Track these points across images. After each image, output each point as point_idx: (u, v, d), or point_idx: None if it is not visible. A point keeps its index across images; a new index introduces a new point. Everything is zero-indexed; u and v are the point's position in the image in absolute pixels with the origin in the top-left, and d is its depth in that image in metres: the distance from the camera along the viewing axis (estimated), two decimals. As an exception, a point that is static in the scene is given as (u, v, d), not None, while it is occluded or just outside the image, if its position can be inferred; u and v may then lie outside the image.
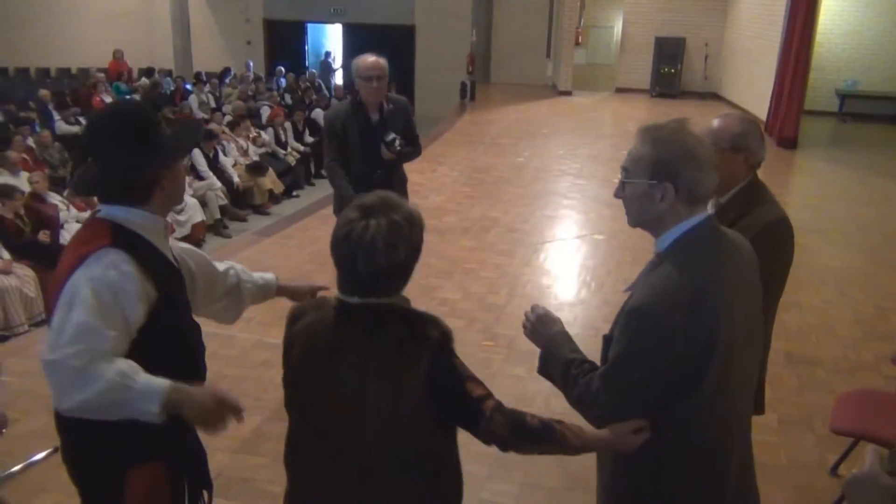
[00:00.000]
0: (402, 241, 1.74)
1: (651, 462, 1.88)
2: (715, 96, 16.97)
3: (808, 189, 9.75)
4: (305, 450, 1.93)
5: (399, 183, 4.56)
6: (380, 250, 1.71)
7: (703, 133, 2.34)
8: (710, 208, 2.51)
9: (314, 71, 15.36)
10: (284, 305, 5.35)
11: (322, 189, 9.40)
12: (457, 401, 1.79)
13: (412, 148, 4.61)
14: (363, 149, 4.40)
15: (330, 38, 18.40)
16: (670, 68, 17.30)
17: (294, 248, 6.90)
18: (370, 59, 4.37)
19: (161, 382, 1.80)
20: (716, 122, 2.62)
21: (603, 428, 1.86)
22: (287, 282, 2.45)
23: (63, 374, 1.76)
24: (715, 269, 1.80)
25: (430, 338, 1.77)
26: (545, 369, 2.05)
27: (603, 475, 2.06)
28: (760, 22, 14.16)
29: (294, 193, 9.10)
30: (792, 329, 4.84)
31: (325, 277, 6.31)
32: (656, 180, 1.80)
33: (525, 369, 4.40)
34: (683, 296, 1.74)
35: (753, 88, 14.20)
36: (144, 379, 1.80)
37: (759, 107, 13.01)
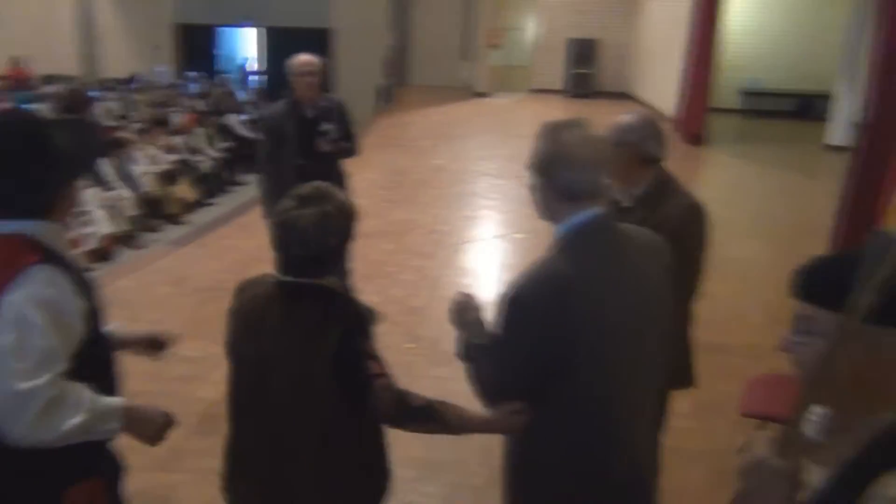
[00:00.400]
0: (333, 229, 1.95)
1: (530, 445, 1.98)
2: (627, 96, 17.44)
3: (716, 184, 10.11)
4: (238, 406, 2.14)
5: (338, 179, 4.69)
6: (311, 237, 1.92)
7: (607, 128, 2.61)
8: (623, 199, 2.75)
9: (229, 76, 15.05)
10: (199, 317, 5.19)
11: (238, 196, 9.20)
12: (354, 376, 1.96)
13: (349, 143, 4.82)
14: (300, 143, 4.63)
15: (244, 43, 18.06)
16: (584, 69, 17.70)
17: (210, 258, 6.73)
18: (303, 57, 4.68)
19: (115, 399, 1.87)
20: (617, 120, 2.76)
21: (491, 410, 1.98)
22: (126, 333, 2.27)
23: (39, 405, 1.67)
24: (590, 264, 1.86)
25: (344, 316, 1.99)
26: (460, 353, 2.11)
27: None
28: (667, 23, 14.65)
29: (209, 201, 8.87)
30: (703, 318, 5.01)
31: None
32: (538, 177, 1.92)
33: (448, 370, 4.40)
34: (549, 286, 1.83)
35: (662, 88, 14.67)
36: (99, 398, 1.81)
37: (669, 105, 13.45)
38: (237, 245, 7.05)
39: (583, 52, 17.68)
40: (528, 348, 1.87)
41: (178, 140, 9.18)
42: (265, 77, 16.45)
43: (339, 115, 4.79)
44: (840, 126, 12.26)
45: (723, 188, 9.76)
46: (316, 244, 1.94)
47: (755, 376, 3.67)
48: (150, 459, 3.67)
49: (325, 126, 4.65)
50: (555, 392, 1.88)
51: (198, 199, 8.63)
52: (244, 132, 10.78)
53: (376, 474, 2.20)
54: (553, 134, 1.92)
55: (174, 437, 3.83)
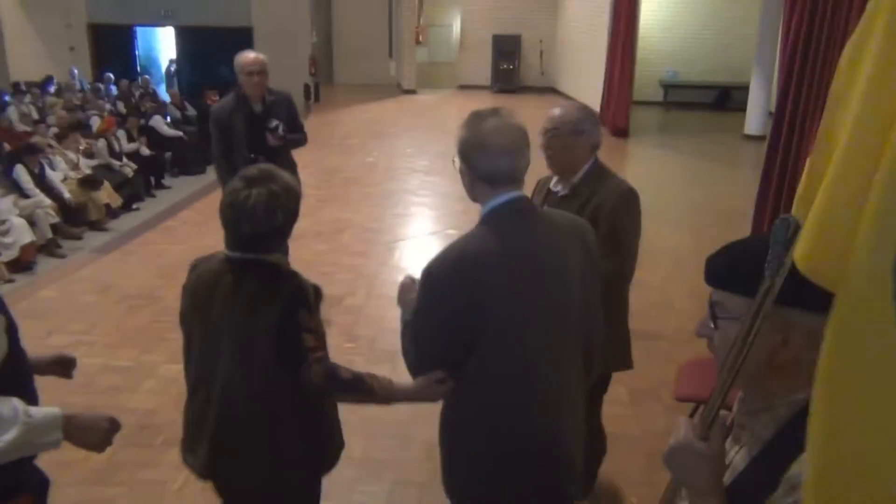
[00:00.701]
0: (280, 208, 2.09)
1: (452, 411, 2.12)
2: (552, 90, 17.70)
3: (642, 175, 10.37)
4: (191, 376, 2.31)
5: (288, 169, 4.63)
6: (259, 215, 2.06)
7: (547, 120, 2.81)
8: (560, 188, 2.92)
9: (148, 77, 14.63)
10: (128, 325, 5.05)
11: (164, 200, 8.98)
12: (292, 347, 2.11)
13: (298, 135, 5.05)
14: (248, 137, 4.76)
15: (162, 42, 17.58)
16: (508, 65, 17.89)
17: (137, 264, 6.55)
18: (251, 55, 4.82)
19: (52, 409, 1.85)
20: (556, 112, 2.88)
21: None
22: (32, 356, 2.16)
23: None
24: (501, 242, 2.00)
25: (285, 290, 2.14)
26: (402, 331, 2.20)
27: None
28: (588, 18, 14.93)
29: (134, 207, 8.59)
30: (634, 307, 5.15)
31: (172, 292, 6.04)
32: (462, 162, 2.06)
33: (388, 368, 4.40)
34: (458, 263, 1.98)
35: (586, 82, 14.94)
36: (35, 410, 1.79)
37: (593, 99, 13.71)
38: (164, 250, 6.87)
39: (507, 48, 17.87)
40: (440, 320, 2.01)
41: (98, 144, 8.89)
42: (179, 78, 16.06)
43: (287, 109, 4.97)
44: (756, 116, 12.73)
45: (648, 179, 10.01)
46: (263, 222, 2.07)
47: (686, 361, 3.79)
48: (85, 473, 3.57)
49: (274, 122, 4.80)
50: (469, 361, 2.01)
51: (121, 205, 8.38)
52: (169, 132, 10.53)
53: (323, 444, 2.32)
54: (473, 122, 2.04)
55: (109, 449, 3.74)
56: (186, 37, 16.21)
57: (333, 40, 19.00)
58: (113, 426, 2.02)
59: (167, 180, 9.90)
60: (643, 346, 4.88)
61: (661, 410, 4.10)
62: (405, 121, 14.04)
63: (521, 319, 2.00)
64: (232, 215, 2.08)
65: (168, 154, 10.16)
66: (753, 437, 1.24)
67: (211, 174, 10.23)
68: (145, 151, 9.65)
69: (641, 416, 4.06)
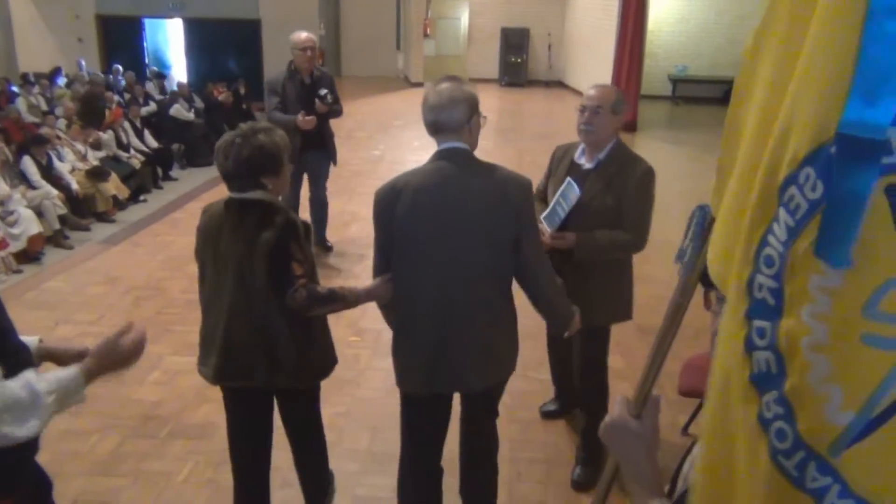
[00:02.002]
0: (234, 152, 2.56)
1: (393, 306, 2.74)
2: (560, 84, 17.64)
3: (649, 169, 10.32)
4: (204, 301, 2.79)
5: (329, 136, 6.09)
6: (218, 158, 2.59)
7: (589, 98, 3.17)
8: (584, 161, 3.26)
9: (155, 69, 14.67)
10: (135, 316, 5.07)
11: (172, 192, 9.00)
12: (282, 273, 2.55)
13: (338, 105, 6.01)
14: (300, 104, 5.72)
15: (170, 34, 17.59)
16: (517, 58, 17.82)
17: (144, 256, 6.57)
18: (304, 34, 5.80)
19: (70, 371, 1.88)
20: (597, 91, 3.21)
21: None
22: (53, 344, 2.18)
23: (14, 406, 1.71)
24: (427, 178, 2.58)
25: (276, 223, 2.57)
26: None
27: None
28: (597, 12, 14.84)
29: (141, 198, 8.62)
30: (640, 302, 5.13)
31: (179, 284, 6.07)
32: None
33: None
34: (390, 189, 2.60)
35: (594, 76, 14.85)
36: (53, 379, 1.83)
37: (601, 93, 13.65)
38: (171, 242, 6.89)
39: (515, 41, 17.80)
40: (378, 233, 2.68)
41: (106, 135, 8.91)
42: (188, 72, 16.04)
43: (330, 84, 5.94)
44: (764, 111, 12.63)
45: (657, 174, 9.97)
46: (234, 159, 2.55)
47: (690, 356, 3.78)
48: (89, 465, 3.59)
49: (323, 91, 5.78)
50: (395, 267, 2.65)
51: (129, 196, 8.41)
52: (190, 117, 10.56)
53: (314, 356, 2.78)
54: (427, 88, 2.66)
55: (113, 440, 3.78)
56: (195, 29, 16.20)
57: (341, 32, 18.97)
58: (128, 339, 2.04)
59: (175, 172, 9.92)
60: (648, 341, 4.86)
61: (664, 405, 4.09)
62: (412, 114, 13.99)
63: (428, 240, 2.58)
64: (219, 154, 2.60)
65: (176, 146, 10.17)
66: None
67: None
68: (152, 143, 9.66)
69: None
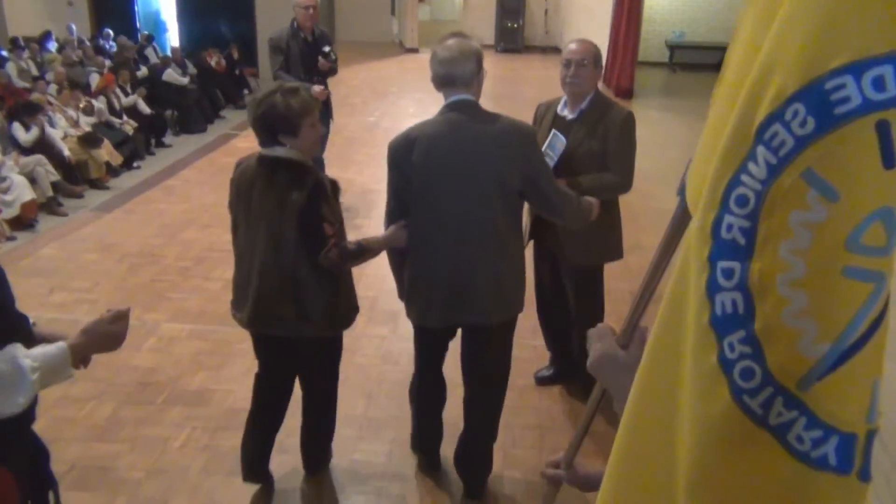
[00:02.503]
0: (252, 109, 2.76)
1: (408, 251, 2.96)
2: (556, 50, 17.47)
3: (646, 137, 10.22)
4: (238, 252, 2.96)
5: (328, 97, 6.19)
6: (252, 109, 2.76)
7: (572, 52, 3.41)
8: (567, 112, 3.49)
9: (147, 33, 14.45)
10: (130, 284, 5.07)
11: (166, 158, 8.94)
12: (314, 234, 2.74)
13: (336, 64, 6.24)
14: (302, 61, 5.96)
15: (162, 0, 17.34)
16: (513, 23, 17.63)
17: (138, 223, 6.55)
18: None
19: (57, 347, 1.86)
20: (578, 45, 3.44)
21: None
22: (45, 330, 2.10)
23: None
24: (439, 128, 2.80)
25: (306, 183, 2.73)
26: None
27: None
28: (594, -24, 14.65)
29: (135, 164, 8.55)
30: (635, 270, 5.14)
31: (173, 251, 6.06)
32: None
33: (388, 329, 4.43)
34: (404, 138, 2.82)
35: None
36: (39, 354, 1.81)
37: (598, 59, 13.53)
38: (166, 209, 6.87)
39: (512, 6, 17.59)
40: (392, 182, 2.90)
41: (98, 101, 8.82)
42: (180, 37, 15.82)
43: (329, 41, 6.18)
44: (762, 78, 12.56)
45: (652, 141, 9.91)
46: (253, 113, 2.73)
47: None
48: (86, 430, 3.61)
49: (327, 48, 6.06)
50: (411, 212, 2.87)
51: (122, 163, 8.35)
52: (183, 80, 10.47)
53: (339, 306, 2.96)
54: (436, 45, 2.84)
55: (110, 407, 3.80)
56: (185, -7, 15.95)
57: (335, -3, 18.71)
58: (116, 320, 2.03)
59: (168, 138, 9.84)
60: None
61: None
62: (407, 80, 13.89)
63: (441, 184, 2.80)
64: (253, 117, 2.76)
65: (169, 112, 10.08)
66: None
67: (212, 133, 10.18)
68: (145, 109, 9.57)
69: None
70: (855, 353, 0.79)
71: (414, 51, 17.21)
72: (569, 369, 4.03)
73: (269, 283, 2.82)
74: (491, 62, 15.80)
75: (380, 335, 4.51)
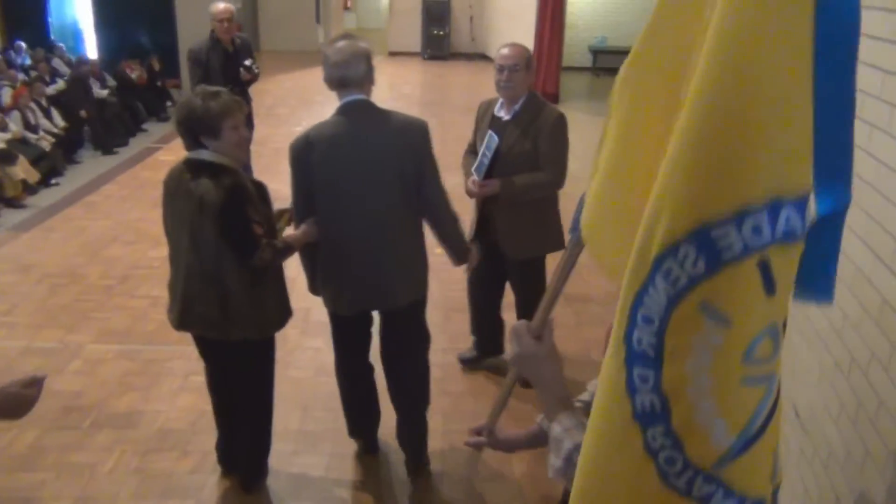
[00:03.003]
0: (175, 113, 2.91)
1: (319, 247, 3.07)
2: (483, 56, 17.63)
3: (572, 140, 10.44)
4: (170, 254, 2.97)
5: (248, 103, 5.92)
6: (175, 114, 2.90)
7: (505, 57, 3.56)
8: (503, 113, 3.66)
9: (62, 45, 13.96)
10: (51, 305, 4.90)
11: (86, 174, 8.64)
12: (245, 236, 2.77)
13: (258, 70, 6.22)
14: (223, 74, 5.80)
15: (77, 9, 16.79)
16: (439, 31, 17.71)
17: (59, 242, 6.31)
18: (221, 5, 5.90)
19: None
20: (511, 50, 3.59)
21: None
22: None
23: None
24: (336, 129, 2.93)
25: (224, 184, 2.75)
26: None
27: None
28: (517, -17, 14.85)
29: (52, 181, 8.25)
30: (577, 269, 5.21)
31: (96, 269, 5.88)
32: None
33: (322, 340, 4.38)
34: (304, 139, 2.94)
35: (517, 48, 14.89)
36: None
37: (523, 65, 13.70)
38: (87, 226, 6.64)
39: (437, 14, 17.69)
40: (296, 180, 3.00)
41: (12, 116, 8.47)
42: (98, 49, 15.35)
43: (250, 52, 6.12)
44: (681, 81, 12.93)
45: (579, 144, 10.07)
46: (177, 118, 2.81)
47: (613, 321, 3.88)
48: (8, 460, 3.46)
49: (249, 60, 5.99)
50: (318, 208, 2.98)
51: (39, 180, 8.03)
52: (103, 93, 10.14)
53: (267, 310, 2.99)
54: (327, 47, 2.97)
55: (32, 434, 3.65)
56: (102, 3, 15.50)
57: (258, 5, 18.47)
58: (30, 385, 1.93)
59: (87, 154, 9.51)
60: (575, 310, 4.98)
61: (592, 370, 4.19)
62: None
63: (342, 182, 2.93)
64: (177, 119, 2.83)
65: (87, 128, 9.74)
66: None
67: (134, 146, 9.88)
68: (60, 123, 9.23)
69: (574, 374, 4.13)
70: (758, 440, 0.95)
71: (340, 59, 17.08)
72: (490, 351, 4.24)
73: (193, 284, 2.87)
74: (418, 69, 15.91)
75: (314, 347, 4.46)
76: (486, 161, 3.58)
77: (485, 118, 3.78)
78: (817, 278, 0.96)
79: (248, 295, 2.89)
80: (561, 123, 3.63)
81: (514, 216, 3.67)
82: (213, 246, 2.79)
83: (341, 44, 2.93)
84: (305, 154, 2.93)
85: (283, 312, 3.10)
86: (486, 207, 3.67)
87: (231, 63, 5.92)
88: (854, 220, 2.28)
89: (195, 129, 2.78)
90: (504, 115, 3.66)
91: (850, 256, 2.28)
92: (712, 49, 0.86)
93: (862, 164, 2.26)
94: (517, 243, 3.72)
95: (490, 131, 3.63)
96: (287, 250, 2.95)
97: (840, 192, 0.93)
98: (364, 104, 2.97)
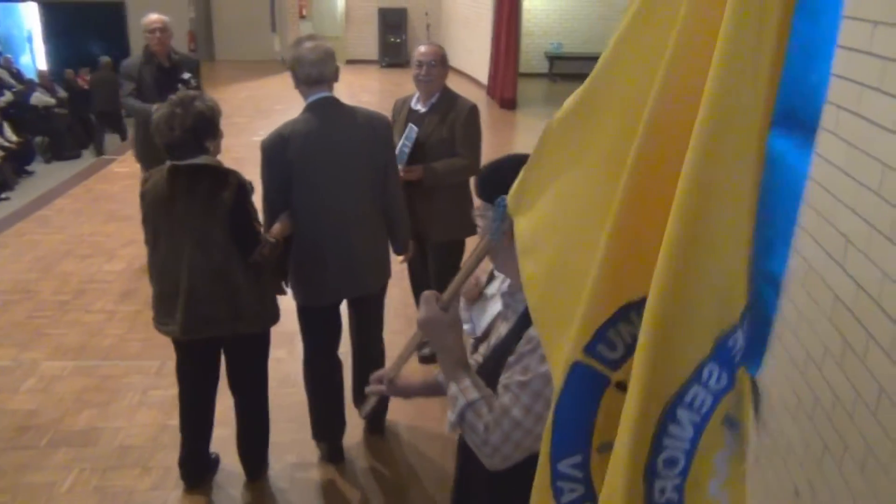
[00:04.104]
0: (177, 122, 2.79)
1: (293, 241, 3.18)
2: (440, 64, 17.64)
3: (530, 145, 10.48)
4: (160, 268, 2.96)
5: None
6: (162, 130, 2.81)
7: (423, 55, 3.82)
8: (420, 106, 3.93)
9: (9, 56, 13.66)
10: (2, 322, 4.79)
11: (37, 188, 8.46)
12: (247, 233, 2.90)
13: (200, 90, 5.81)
14: (158, 90, 5.17)
15: (26, 19, 16.45)
16: (396, 38, 17.72)
17: (9, 257, 6.15)
18: (153, 16, 5.53)
19: None
20: (429, 48, 3.88)
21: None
22: None
23: None
24: (308, 125, 3.07)
25: (231, 183, 2.86)
26: None
27: None
28: (473, -9, 14.93)
29: (2, 196, 8.08)
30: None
31: (50, 285, 5.76)
32: (291, 71, 3.14)
33: (285, 351, 4.34)
34: (277, 136, 3.06)
35: (474, 55, 14.99)
36: None
37: (481, 72, 13.80)
38: (39, 241, 6.49)
39: (394, 21, 17.70)
40: (268, 176, 3.09)
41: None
42: (48, 57, 15.06)
43: (192, 68, 5.71)
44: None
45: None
46: (162, 136, 2.80)
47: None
48: (-40, 483, 3.35)
49: (186, 75, 5.56)
50: (293, 203, 3.10)
51: (-12, 194, 7.84)
52: (51, 101, 9.93)
53: (270, 304, 3.10)
54: (295, 45, 3.14)
55: (-14, 455, 3.54)
56: (51, 12, 15.21)
57: (212, 15, 18.29)
58: None
59: (39, 166, 9.32)
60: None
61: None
62: (292, 97, 13.56)
63: (318, 176, 3.05)
64: (158, 128, 2.82)
65: (39, 139, 9.55)
66: (513, 312, 1.65)
67: (87, 159, 9.70)
68: (11, 137, 9.03)
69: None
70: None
71: (297, 68, 16.99)
72: None
73: (201, 286, 2.89)
74: (376, 77, 15.88)
75: (276, 357, 4.39)
76: (407, 150, 3.83)
77: (402, 113, 4.03)
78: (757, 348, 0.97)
79: (254, 289, 2.99)
80: (475, 112, 3.92)
81: (433, 201, 3.89)
82: (222, 245, 2.87)
83: (310, 44, 3.10)
84: (280, 150, 3.04)
85: (276, 305, 3.18)
86: (408, 195, 3.71)
87: (167, 78, 5.41)
88: (806, 218, 2.33)
89: (205, 133, 2.87)
90: (421, 107, 3.93)
91: (802, 254, 2.33)
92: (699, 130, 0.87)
93: (813, 165, 2.32)
94: (438, 227, 3.93)
95: (410, 123, 3.87)
96: (277, 245, 3.01)
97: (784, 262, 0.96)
98: (332, 100, 3.15)
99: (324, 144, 3.06)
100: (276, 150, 3.05)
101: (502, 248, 1.47)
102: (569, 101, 1.27)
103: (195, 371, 3.20)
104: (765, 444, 2.63)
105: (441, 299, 1.59)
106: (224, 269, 2.91)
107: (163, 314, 3.01)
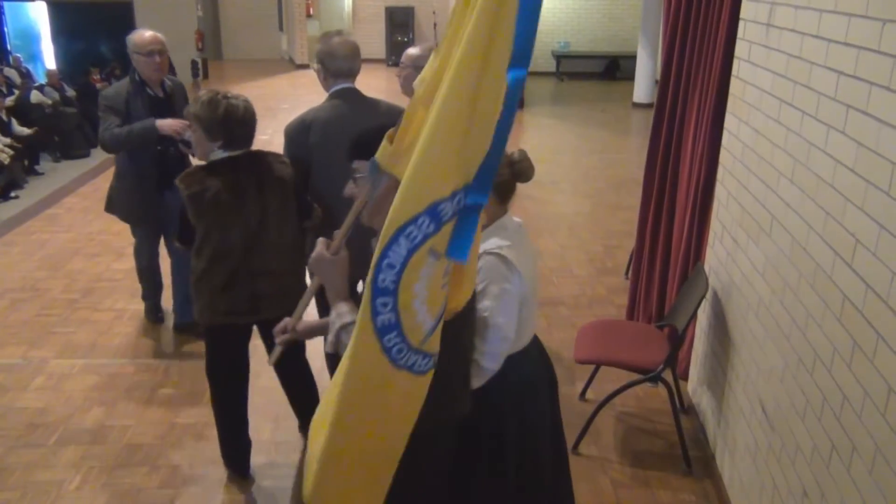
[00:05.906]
0: (248, 113, 2.99)
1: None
2: (447, 62, 17.65)
3: (538, 145, 10.55)
4: (216, 254, 2.97)
5: (188, 161, 4.35)
6: (249, 117, 3.01)
7: (408, 56, 3.67)
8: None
9: (19, 56, 13.72)
10: (13, 321, 4.82)
11: (47, 186, 8.49)
12: (304, 204, 3.19)
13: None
14: None
15: (34, 18, 16.51)
16: (403, 37, 17.75)
17: (19, 256, 6.19)
18: (148, 33, 4.23)
19: None
20: (418, 50, 3.73)
21: None
22: None
23: None
24: (329, 112, 3.23)
25: (281, 158, 3.09)
26: None
27: None
28: (480, -11, 14.89)
29: (12, 195, 8.10)
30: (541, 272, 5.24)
31: (59, 283, 5.78)
32: (320, 64, 3.28)
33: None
34: (300, 122, 3.22)
35: (481, 53, 14.94)
36: None
37: (488, 70, 13.74)
38: (48, 239, 6.53)
39: (401, 20, 17.72)
40: (290, 160, 3.15)
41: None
42: (57, 57, 15.11)
43: (184, 96, 4.44)
44: (644, 84, 13.12)
45: (544, 148, 10.19)
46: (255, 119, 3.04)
47: (584, 324, 3.91)
48: (-29, 481, 3.37)
49: (188, 134, 3.95)
50: (311, 189, 3.26)
51: (-3, 193, 7.87)
52: (45, 100, 9.96)
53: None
54: (325, 39, 3.28)
55: (-4, 453, 3.56)
56: (60, 12, 15.27)
57: (220, 13, 18.33)
58: None
59: (48, 165, 9.35)
60: (545, 313, 5.01)
61: (562, 372, 4.21)
62: (300, 96, 13.73)
63: (336, 157, 2.93)
64: (242, 126, 2.97)
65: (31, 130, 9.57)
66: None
67: (96, 157, 9.72)
68: (24, 132, 9.07)
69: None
70: (440, 321, 1.58)
71: (305, 67, 17.05)
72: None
73: (277, 265, 3.06)
74: (382, 76, 15.92)
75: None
76: None
77: None
78: (462, 243, 1.47)
79: (305, 258, 3.14)
80: None
81: None
82: (293, 216, 3.09)
83: (340, 39, 3.27)
84: (303, 136, 3.18)
85: None
86: None
87: (161, 112, 4.21)
88: (814, 218, 2.33)
89: (254, 129, 3.04)
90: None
91: (811, 254, 2.32)
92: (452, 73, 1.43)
93: (820, 164, 2.31)
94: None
95: None
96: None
97: (486, 190, 1.47)
98: (355, 91, 3.30)
99: (344, 131, 3.07)
100: (299, 135, 3.19)
101: (374, 201, 1.75)
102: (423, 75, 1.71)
103: (241, 357, 3.32)
104: (773, 444, 2.62)
105: (330, 245, 1.85)
106: (295, 244, 3.12)
107: (228, 302, 3.04)
